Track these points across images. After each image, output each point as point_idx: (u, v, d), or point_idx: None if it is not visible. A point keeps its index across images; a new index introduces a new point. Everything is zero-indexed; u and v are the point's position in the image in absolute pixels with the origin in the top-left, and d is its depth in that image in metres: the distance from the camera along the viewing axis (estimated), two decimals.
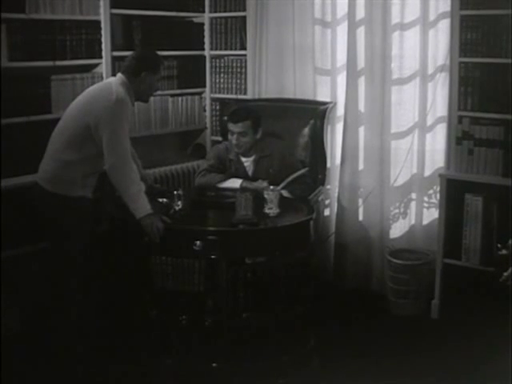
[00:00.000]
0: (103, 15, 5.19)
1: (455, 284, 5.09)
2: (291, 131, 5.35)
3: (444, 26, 5.09)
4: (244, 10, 5.88)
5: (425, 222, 5.47)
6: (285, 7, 5.72)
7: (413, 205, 5.50)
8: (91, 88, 4.39)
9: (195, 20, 6.13)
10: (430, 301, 5.18)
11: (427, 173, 5.38)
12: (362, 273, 5.70)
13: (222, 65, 6.15)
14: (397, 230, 5.57)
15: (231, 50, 6.05)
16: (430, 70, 5.23)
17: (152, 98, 4.76)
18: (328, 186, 5.58)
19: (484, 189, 4.85)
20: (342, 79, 5.58)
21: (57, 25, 4.93)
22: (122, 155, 4.11)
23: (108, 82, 4.44)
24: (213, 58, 6.18)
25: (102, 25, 5.20)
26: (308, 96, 5.70)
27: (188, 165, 5.93)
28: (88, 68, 5.23)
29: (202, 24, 6.12)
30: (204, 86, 6.21)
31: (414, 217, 5.50)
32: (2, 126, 4.62)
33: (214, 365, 4.25)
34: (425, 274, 5.25)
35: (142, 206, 4.10)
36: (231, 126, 4.95)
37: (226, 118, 5.22)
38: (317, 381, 4.30)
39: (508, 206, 4.70)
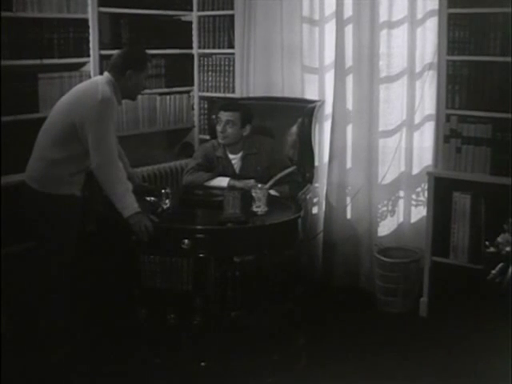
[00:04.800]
0: (91, 13, 5.17)
1: (443, 282, 5.09)
2: (279, 129, 5.35)
3: (432, 24, 5.10)
4: (232, 8, 5.87)
5: (413, 219, 5.48)
6: (273, 6, 5.71)
7: (401, 203, 5.51)
8: (77, 87, 4.38)
9: (183, 18, 6.12)
10: (419, 299, 5.18)
11: (415, 171, 5.39)
12: (351, 271, 5.71)
13: (210, 63, 6.14)
14: (385, 227, 5.58)
15: (219, 48, 6.04)
16: (418, 68, 5.24)
17: (140, 97, 4.74)
18: (316, 184, 5.58)
19: (472, 187, 4.86)
20: (329, 77, 5.57)
21: (44, 23, 4.91)
22: (107, 155, 4.10)
23: (94, 80, 4.43)
24: (201, 56, 6.17)
25: (90, 23, 5.18)
26: (296, 94, 5.69)
27: (176, 163, 5.93)
28: (76, 66, 5.21)
29: (190, 22, 6.11)
30: (192, 85, 6.20)
31: (402, 215, 5.51)
32: None
33: (202, 364, 4.25)
34: (413, 271, 5.26)
35: (129, 205, 4.09)
36: (221, 114, 4.98)
37: (219, 107, 5.20)
38: (306, 379, 4.30)
39: (496, 203, 4.71)
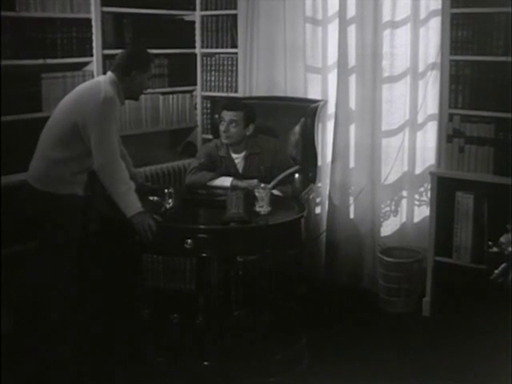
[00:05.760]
0: (94, 13, 5.17)
1: (446, 282, 5.09)
2: (282, 129, 5.34)
3: (435, 24, 5.11)
4: (235, 8, 5.88)
5: (416, 219, 5.48)
6: (276, 5, 5.71)
7: (404, 202, 5.51)
8: (80, 86, 4.37)
9: (186, 18, 6.12)
10: (422, 298, 5.18)
11: (418, 170, 5.39)
12: (354, 271, 5.70)
13: (213, 63, 6.14)
14: (388, 227, 5.58)
15: (222, 48, 6.05)
16: (421, 68, 5.24)
17: (143, 97, 4.73)
18: (319, 184, 5.57)
19: (475, 186, 4.86)
20: (332, 77, 5.57)
21: (47, 23, 4.91)
22: (110, 154, 4.10)
23: (97, 80, 4.44)
24: (204, 56, 6.17)
25: (93, 23, 5.19)
26: (299, 94, 5.69)
27: (179, 163, 5.93)
28: (79, 66, 5.21)
29: (193, 22, 6.12)
30: (195, 84, 6.20)
31: (405, 214, 5.51)
32: None
33: (205, 363, 4.25)
34: (416, 271, 5.25)
35: (132, 205, 4.08)
36: (224, 114, 4.97)
37: (222, 107, 5.19)
38: (308, 379, 4.30)
39: (499, 203, 4.70)
